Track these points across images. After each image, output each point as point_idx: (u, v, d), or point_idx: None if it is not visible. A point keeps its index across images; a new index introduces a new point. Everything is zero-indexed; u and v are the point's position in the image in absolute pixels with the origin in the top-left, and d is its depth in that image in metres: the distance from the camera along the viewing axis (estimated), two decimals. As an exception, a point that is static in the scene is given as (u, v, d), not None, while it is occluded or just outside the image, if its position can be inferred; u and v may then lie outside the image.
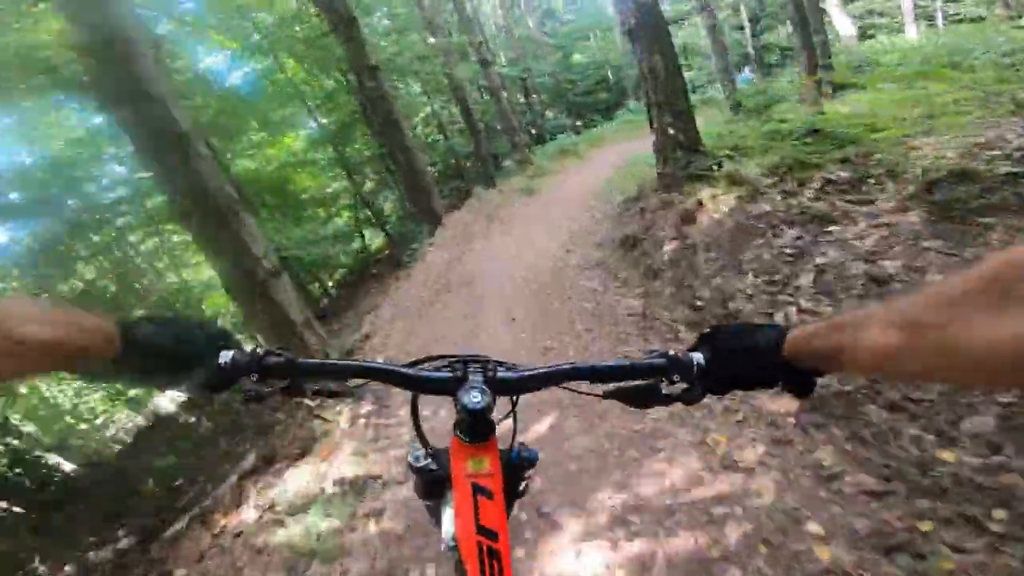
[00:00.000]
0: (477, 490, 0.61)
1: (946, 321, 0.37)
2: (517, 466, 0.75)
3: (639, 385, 0.66)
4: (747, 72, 13.26)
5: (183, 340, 0.59)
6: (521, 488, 0.79)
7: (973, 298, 0.35)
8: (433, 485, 0.78)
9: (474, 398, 0.60)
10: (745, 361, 0.59)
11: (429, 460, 0.77)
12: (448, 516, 0.73)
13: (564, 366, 0.66)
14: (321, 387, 0.67)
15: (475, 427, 0.63)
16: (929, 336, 0.38)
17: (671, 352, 0.64)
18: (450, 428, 0.65)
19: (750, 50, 17.68)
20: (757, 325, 0.61)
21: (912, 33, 13.61)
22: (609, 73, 22.26)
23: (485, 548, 0.58)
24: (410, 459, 0.77)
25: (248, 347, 0.63)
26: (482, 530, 0.59)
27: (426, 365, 0.70)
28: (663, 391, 0.65)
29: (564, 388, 0.69)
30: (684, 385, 0.64)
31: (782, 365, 0.56)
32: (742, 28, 18.28)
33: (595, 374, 0.66)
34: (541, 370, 0.67)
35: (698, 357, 0.63)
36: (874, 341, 0.43)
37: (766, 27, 19.31)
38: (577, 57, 22.97)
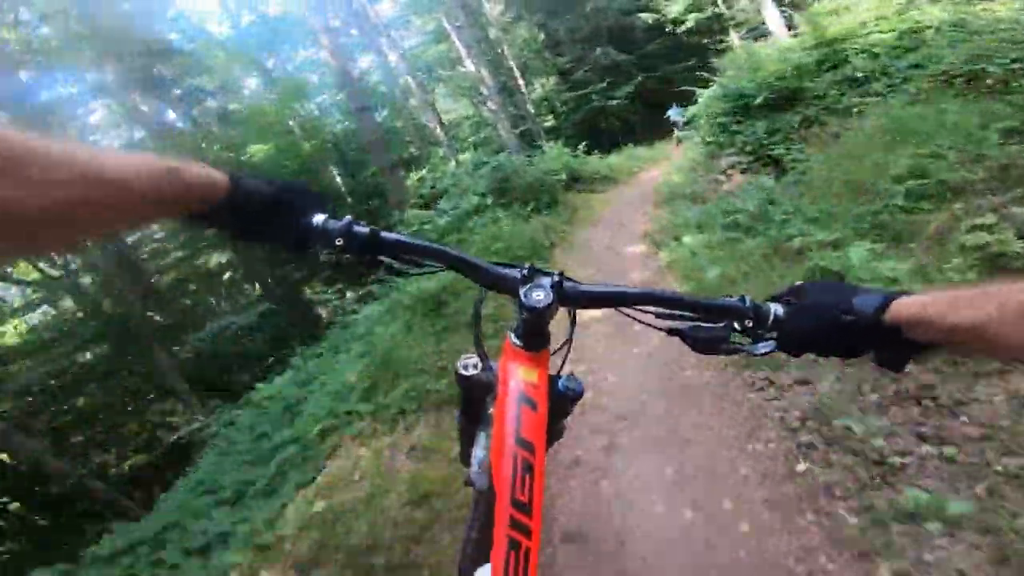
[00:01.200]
0: (522, 399, 0.60)
1: None
2: (562, 396, 0.70)
3: (707, 328, 0.62)
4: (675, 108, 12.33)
5: (283, 197, 0.61)
6: (562, 424, 0.77)
7: None
8: (476, 402, 0.75)
9: (536, 296, 0.59)
10: (836, 319, 0.54)
11: (479, 370, 0.73)
12: (481, 442, 0.71)
13: (632, 290, 0.64)
14: (396, 264, 0.67)
15: (531, 332, 0.62)
16: None
17: (748, 297, 0.61)
18: (506, 333, 0.64)
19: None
20: (860, 287, 0.56)
21: (775, 24, 11.30)
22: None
23: (520, 459, 0.56)
24: (459, 366, 0.74)
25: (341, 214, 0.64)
26: (521, 441, 0.57)
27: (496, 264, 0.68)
28: (731, 340, 0.61)
29: (627, 313, 0.67)
30: (754, 336, 0.61)
31: (881, 333, 0.52)
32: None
33: (664, 302, 0.64)
34: (609, 288, 0.65)
35: (775, 307, 0.60)
36: (1009, 322, 0.42)
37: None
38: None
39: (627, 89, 18.87)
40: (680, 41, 18.22)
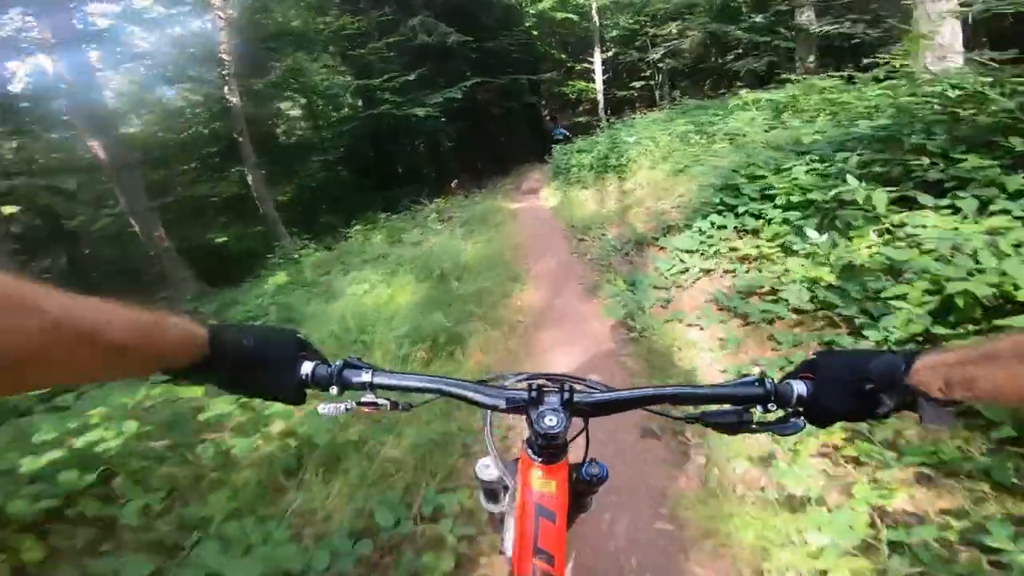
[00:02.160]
0: (540, 511, 0.61)
1: None
2: (585, 483, 0.72)
3: (730, 412, 0.61)
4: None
5: (268, 347, 0.58)
6: (587, 502, 0.77)
7: None
8: (499, 493, 0.78)
9: (549, 421, 0.59)
10: (858, 390, 0.54)
11: (498, 473, 0.74)
12: (510, 525, 0.73)
13: (645, 391, 0.64)
14: (397, 402, 0.65)
15: (547, 448, 0.62)
16: None
17: (768, 379, 0.60)
18: (521, 444, 0.65)
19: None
20: (875, 351, 0.58)
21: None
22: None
23: (540, 571, 0.58)
24: (477, 469, 0.76)
25: (326, 358, 0.62)
26: (539, 552, 0.59)
27: (501, 382, 0.72)
28: (756, 419, 0.60)
29: (648, 411, 0.67)
30: (781, 413, 0.59)
31: (907, 392, 0.51)
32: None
33: (679, 400, 0.64)
34: (623, 394, 0.64)
35: (800, 387, 0.58)
36: None
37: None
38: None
39: (451, 95, 11.12)
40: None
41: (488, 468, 0.75)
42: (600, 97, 14.26)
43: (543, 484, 0.62)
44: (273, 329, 0.62)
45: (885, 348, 0.72)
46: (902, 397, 0.51)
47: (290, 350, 0.60)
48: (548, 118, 18.42)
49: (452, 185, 12.82)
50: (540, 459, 0.62)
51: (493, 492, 0.78)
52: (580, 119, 16.24)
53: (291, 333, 0.62)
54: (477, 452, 1.99)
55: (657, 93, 14.82)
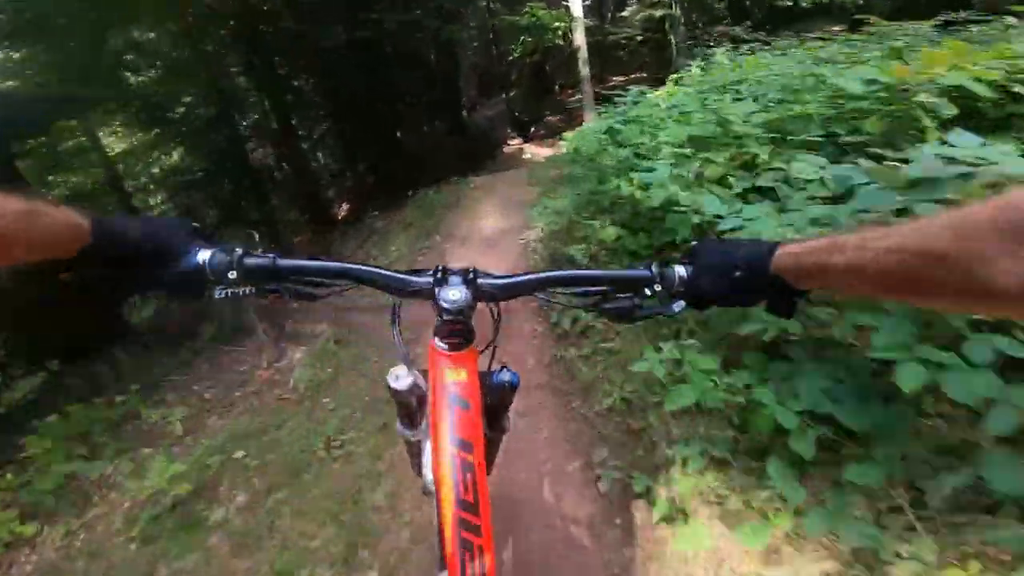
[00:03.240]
0: (453, 400, 0.60)
1: (967, 255, 0.38)
2: (498, 388, 0.72)
3: (622, 298, 0.64)
4: None
5: (158, 236, 0.56)
6: (506, 418, 0.78)
7: (989, 235, 0.36)
8: (414, 409, 0.75)
9: (451, 295, 0.60)
10: (730, 276, 0.58)
11: (411, 379, 0.71)
12: (427, 449, 0.72)
13: (545, 274, 0.65)
14: (301, 290, 0.62)
15: (453, 331, 0.62)
16: (949, 267, 0.39)
17: (653, 264, 0.63)
18: (431, 339, 0.64)
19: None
20: (746, 240, 0.61)
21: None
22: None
23: (459, 460, 0.56)
24: (389, 380, 0.71)
25: (228, 245, 0.59)
26: (458, 442, 0.57)
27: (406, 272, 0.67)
28: (644, 306, 0.64)
29: (545, 298, 0.67)
30: (665, 298, 0.63)
31: (768, 282, 0.55)
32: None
33: (576, 282, 0.66)
34: (522, 277, 0.65)
35: (680, 270, 0.62)
36: (880, 265, 0.44)
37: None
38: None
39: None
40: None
41: (400, 377, 0.70)
42: (581, 42, 7.94)
43: (454, 373, 0.61)
44: (162, 218, 0.59)
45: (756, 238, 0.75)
46: (765, 284, 0.55)
47: (183, 238, 0.57)
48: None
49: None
50: (447, 347, 0.62)
51: (408, 409, 0.75)
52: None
53: (184, 222, 0.59)
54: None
55: (674, 44, 9.17)
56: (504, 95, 13.56)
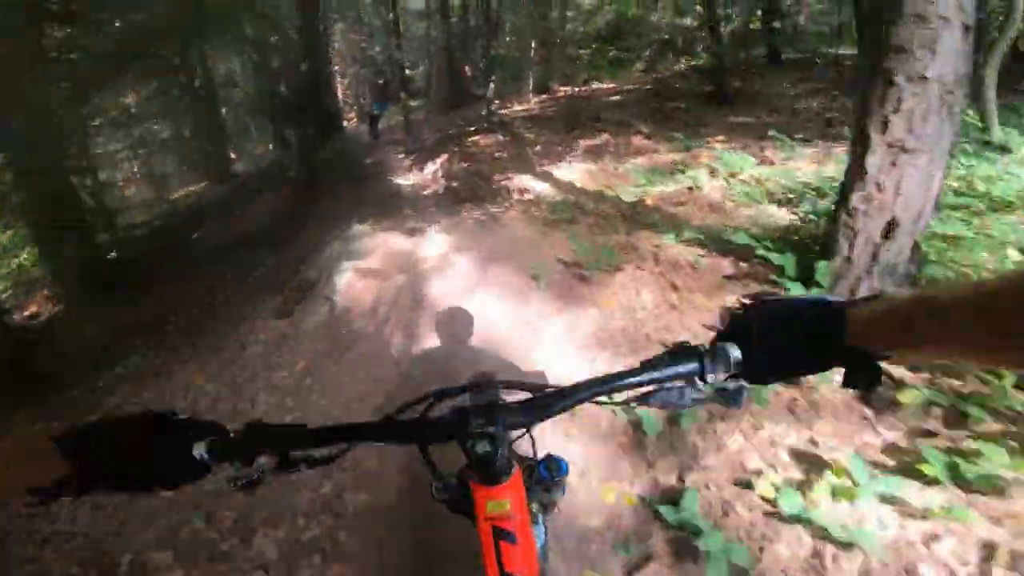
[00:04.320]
0: (498, 534, 0.57)
1: None
2: (547, 481, 0.69)
3: (671, 389, 0.57)
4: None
5: (140, 439, 0.52)
6: (555, 501, 0.74)
7: None
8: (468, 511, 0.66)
9: (482, 449, 0.55)
10: (794, 348, 0.51)
11: (452, 491, 0.65)
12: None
13: (583, 384, 0.58)
14: (313, 458, 0.59)
15: (487, 472, 0.58)
16: None
17: (702, 348, 0.56)
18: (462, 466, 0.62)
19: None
20: (806, 299, 0.54)
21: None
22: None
23: None
24: (434, 492, 0.66)
25: (223, 428, 0.56)
26: None
27: (422, 407, 0.67)
28: (697, 394, 0.57)
29: (591, 403, 0.60)
30: (721, 379, 0.55)
31: (843, 351, 0.48)
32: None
33: (617, 388, 0.58)
34: (555, 393, 0.59)
35: (735, 353, 0.54)
36: (984, 324, 0.39)
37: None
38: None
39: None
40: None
41: (442, 488, 0.67)
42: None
43: (496, 505, 0.58)
44: (145, 415, 0.54)
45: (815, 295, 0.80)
46: (839, 355, 0.49)
47: (176, 435, 0.54)
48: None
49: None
50: (485, 482, 0.59)
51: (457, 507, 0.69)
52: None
53: (169, 416, 0.55)
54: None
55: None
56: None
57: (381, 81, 12.67)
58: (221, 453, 0.54)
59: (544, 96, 11.72)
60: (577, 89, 11.71)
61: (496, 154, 6.98)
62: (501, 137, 7.83)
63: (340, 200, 6.89)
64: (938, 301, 0.44)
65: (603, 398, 0.59)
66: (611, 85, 11.54)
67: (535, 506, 0.72)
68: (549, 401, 0.58)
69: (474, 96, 12.89)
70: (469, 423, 0.56)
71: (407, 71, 13.55)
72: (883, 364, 0.48)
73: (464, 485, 0.63)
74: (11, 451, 0.46)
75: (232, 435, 0.56)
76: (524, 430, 0.65)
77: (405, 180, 7.23)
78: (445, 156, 7.42)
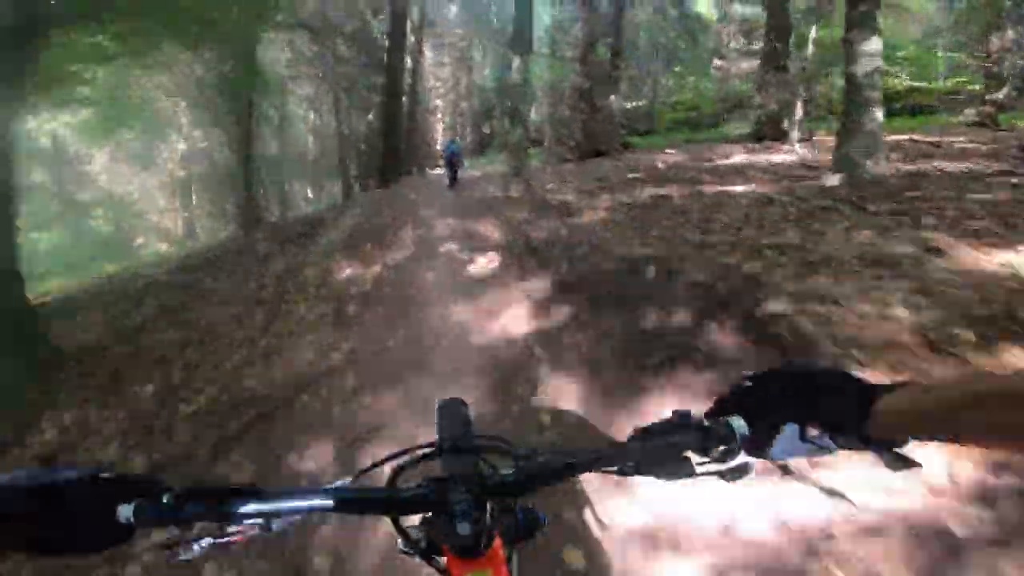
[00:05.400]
0: None
1: None
2: (523, 534, 0.64)
3: (667, 460, 0.53)
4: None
5: (61, 498, 0.45)
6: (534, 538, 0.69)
7: None
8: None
9: (462, 530, 0.49)
10: (803, 434, 0.48)
11: (421, 553, 0.59)
12: None
13: (574, 455, 0.53)
14: (266, 523, 0.50)
15: (468, 546, 0.53)
16: None
17: (705, 423, 0.53)
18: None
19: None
20: (827, 374, 0.50)
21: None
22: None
23: None
24: (400, 546, 0.61)
25: (155, 486, 0.49)
26: None
27: (393, 466, 0.58)
28: (697, 466, 0.53)
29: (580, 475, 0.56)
30: (724, 460, 0.52)
31: (866, 440, 0.46)
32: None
33: (611, 460, 0.54)
34: (545, 464, 0.54)
35: (740, 426, 0.51)
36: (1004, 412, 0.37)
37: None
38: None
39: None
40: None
41: (411, 548, 0.59)
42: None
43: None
44: (58, 471, 0.47)
45: (828, 366, 0.50)
46: (860, 440, 0.46)
47: (99, 491, 0.47)
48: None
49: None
50: (464, 556, 0.53)
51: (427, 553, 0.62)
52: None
53: (87, 472, 0.48)
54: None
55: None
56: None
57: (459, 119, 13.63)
58: (151, 516, 0.47)
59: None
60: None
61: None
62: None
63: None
64: (983, 391, 0.41)
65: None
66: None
67: (512, 552, 0.66)
68: (538, 471, 0.53)
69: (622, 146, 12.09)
70: (448, 501, 0.50)
71: (526, 113, 12.75)
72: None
73: (436, 548, 0.59)
74: None
75: (167, 497, 0.48)
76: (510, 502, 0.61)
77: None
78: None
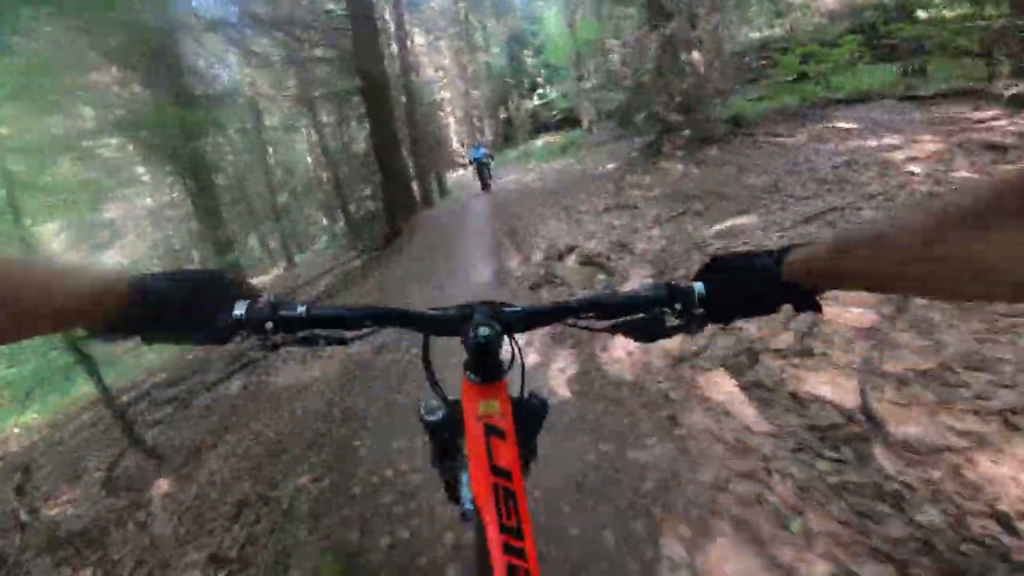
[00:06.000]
0: (489, 431, 0.61)
1: (971, 239, 0.36)
2: (527, 416, 0.70)
3: (643, 318, 0.64)
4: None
5: (196, 293, 0.55)
6: (534, 443, 0.76)
7: (998, 216, 0.35)
8: (448, 443, 0.73)
9: (481, 332, 0.60)
10: (745, 287, 0.59)
11: (443, 412, 0.71)
12: (466, 481, 0.69)
13: (568, 302, 0.65)
14: (332, 335, 0.63)
15: (484, 365, 0.64)
16: (953, 255, 0.38)
17: (672, 283, 0.63)
18: (462, 374, 0.67)
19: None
20: (756, 251, 0.60)
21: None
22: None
23: (500, 489, 0.57)
24: (422, 411, 0.71)
25: (265, 295, 0.60)
26: (496, 470, 0.58)
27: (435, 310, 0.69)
28: (666, 324, 0.64)
29: (569, 323, 0.67)
30: (687, 316, 0.62)
31: (782, 288, 0.56)
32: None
33: (598, 308, 0.65)
34: (546, 307, 0.66)
35: (699, 287, 0.62)
36: (886, 262, 0.43)
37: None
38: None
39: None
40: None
41: (433, 410, 0.71)
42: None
43: (487, 405, 0.63)
44: (199, 272, 0.58)
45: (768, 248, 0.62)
46: (781, 293, 0.55)
47: (220, 292, 0.57)
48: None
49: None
50: (480, 379, 0.65)
51: (442, 442, 0.72)
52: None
53: (224, 275, 0.59)
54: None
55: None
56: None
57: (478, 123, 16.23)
58: (256, 319, 0.56)
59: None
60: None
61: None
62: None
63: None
64: (852, 242, 0.47)
65: (585, 319, 0.65)
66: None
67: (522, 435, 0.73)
68: (540, 313, 0.65)
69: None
70: (473, 316, 0.62)
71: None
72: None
73: (452, 407, 0.70)
74: (95, 286, 0.47)
75: (271, 304, 0.58)
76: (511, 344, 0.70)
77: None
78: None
